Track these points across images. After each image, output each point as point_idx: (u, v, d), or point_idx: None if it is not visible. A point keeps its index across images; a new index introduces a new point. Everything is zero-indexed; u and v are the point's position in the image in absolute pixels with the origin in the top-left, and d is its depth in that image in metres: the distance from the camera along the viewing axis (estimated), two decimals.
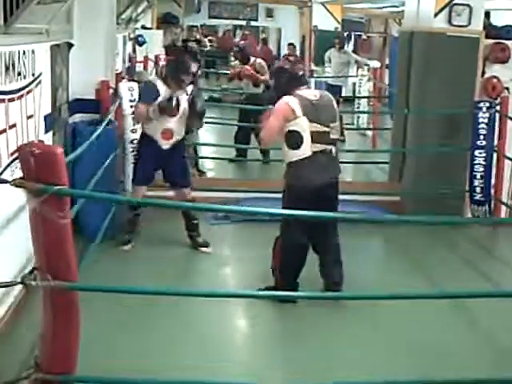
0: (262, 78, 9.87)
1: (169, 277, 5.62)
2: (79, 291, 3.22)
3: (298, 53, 15.86)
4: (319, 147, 5.05)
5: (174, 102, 5.89)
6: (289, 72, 5.32)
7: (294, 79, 5.25)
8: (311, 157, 5.04)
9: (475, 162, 7.41)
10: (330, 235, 5.36)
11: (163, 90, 6.00)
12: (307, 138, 5.01)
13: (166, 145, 6.12)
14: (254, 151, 9.74)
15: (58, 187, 2.96)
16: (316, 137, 5.03)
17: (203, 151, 10.33)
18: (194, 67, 6.02)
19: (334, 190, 5.24)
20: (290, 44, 16.13)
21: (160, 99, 5.93)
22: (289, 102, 5.05)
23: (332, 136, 5.12)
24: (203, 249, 6.31)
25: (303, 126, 5.00)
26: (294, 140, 5.05)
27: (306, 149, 5.03)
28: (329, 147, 5.10)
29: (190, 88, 6.12)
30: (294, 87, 5.17)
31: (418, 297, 4.54)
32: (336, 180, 5.26)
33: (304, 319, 5.01)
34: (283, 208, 5.20)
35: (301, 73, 5.41)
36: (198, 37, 18.70)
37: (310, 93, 5.25)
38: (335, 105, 5.25)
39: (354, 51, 15.93)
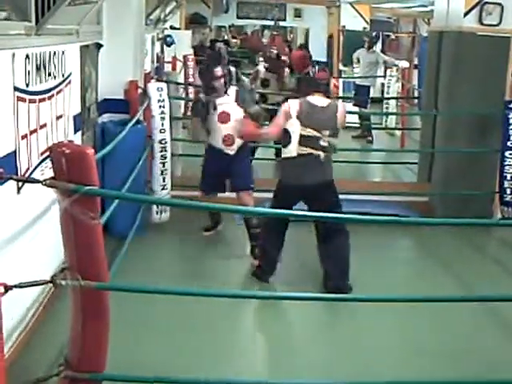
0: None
1: (197, 277, 5.63)
2: (109, 291, 3.24)
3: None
4: (306, 150, 5.35)
5: (212, 107, 6.13)
6: (306, 79, 5.92)
7: (312, 84, 5.64)
8: (296, 158, 5.39)
9: (505, 163, 7.33)
10: (332, 239, 5.45)
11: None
12: (295, 140, 5.36)
13: (230, 150, 6.23)
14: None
15: (88, 187, 2.97)
16: (304, 140, 5.35)
17: None
18: (218, 71, 6.14)
19: (321, 192, 5.40)
20: (302, 46, 16.08)
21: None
22: (290, 104, 5.46)
23: (322, 143, 5.36)
24: (253, 260, 6.13)
25: (294, 128, 5.36)
26: (284, 138, 5.44)
27: (293, 149, 5.39)
28: (316, 152, 5.36)
29: (233, 90, 6.24)
30: (311, 91, 5.50)
31: (449, 300, 4.51)
32: (323, 184, 5.41)
33: (321, 320, 5.00)
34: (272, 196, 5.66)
35: (320, 81, 5.69)
36: (226, 37, 18.71)
37: (319, 100, 5.46)
38: (339, 116, 5.45)
39: (383, 51, 15.83)
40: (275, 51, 9.86)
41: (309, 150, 5.35)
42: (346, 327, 4.95)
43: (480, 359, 4.46)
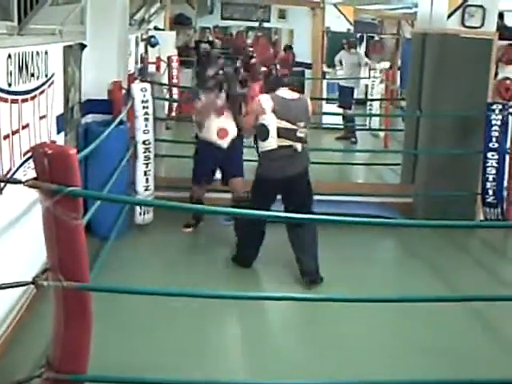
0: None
1: (179, 277, 5.62)
2: (91, 292, 3.23)
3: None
4: (285, 142, 5.51)
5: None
6: (274, 74, 6.14)
7: (278, 80, 5.86)
8: (276, 150, 5.54)
9: (488, 165, 7.38)
10: (304, 230, 5.60)
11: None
12: (274, 133, 5.51)
13: (224, 143, 6.53)
14: None
15: (70, 188, 2.96)
16: (282, 133, 5.51)
17: None
18: (210, 71, 6.56)
19: (299, 183, 5.63)
20: (287, 47, 16.16)
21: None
22: (260, 99, 5.62)
23: (298, 134, 5.54)
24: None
25: (270, 121, 5.50)
26: (262, 133, 5.59)
27: (272, 142, 5.53)
28: (294, 144, 5.53)
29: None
30: (277, 86, 5.68)
31: (430, 300, 4.52)
32: (301, 174, 5.63)
33: (315, 319, 5.01)
34: (250, 194, 5.89)
35: (281, 75, 6.08)
36: (210, 38, 18.70)
37: (288, 93, 5.65)
38: (309, 109, 5.71)
39: (367, 53, 15.90)
40: (250, 52, 10.08)
41: (288, 142, 5.52)
42: (328, 326, 4.96)
43: (461, 359, 4.49)
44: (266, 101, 5.56)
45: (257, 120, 5.60)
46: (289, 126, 5.51)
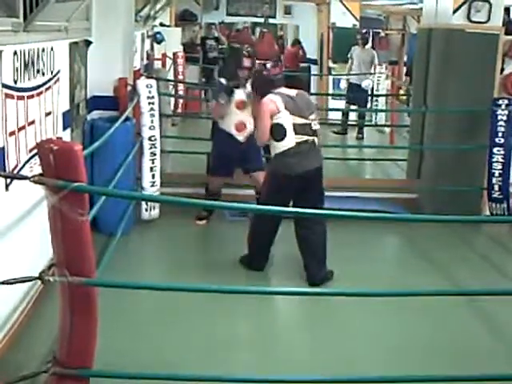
0: None
1: (185, 273, 5.62)
2: (97, 287, 3.25)
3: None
4: (302, 138, 5.43)
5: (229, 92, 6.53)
6: (265, 76, 5.98)
7: (271, 81, 5.76)
8: (295, 147, 5.42)
9: (493, 160, 7.36)
10: (312, 228, 5.55)
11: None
12: (290, 130, 5.40)
13: (242, 137, 6.62)
14: None
15: (76, 184, 2.98)
16: (298, 129, 5.42)
17: None
18: (246, 62, 6.70)
19: (316, 179, 5.56)
20: (295, 41, 16.08)
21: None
22: (271, 98, 5.48)
23: (314, 127, 5.49)
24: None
25: (286, 119, 5.40)
26: (278, 132, 5.44)
27: (290, 140, 5.41)
28: (311, 138, 5.48)
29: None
30: (272, 87, 5.60)
31: (436, 294, 4.53)
32: (318, 169, 5.55)
33: (318, 316, 5.03)
34: (263, 196, 5.76)
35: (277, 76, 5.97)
36: (216, 34, 18.66)
37: (288, 90, 5.61)
38: (311, 100, 5.78)
39: (372, 48, 15.87)
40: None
41: (304, 138, 5.45)
42: (331, 322, 4.97)
43: (463, 354, 4.51)
44: (276, 100, 5.45)
45: (271, 120, 5.45)
46: (303, 121, 5.44)
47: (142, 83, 6.73)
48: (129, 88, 6.80)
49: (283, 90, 5.61)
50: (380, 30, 18.15)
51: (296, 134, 5.41)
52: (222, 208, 6.37)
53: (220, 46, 16.41)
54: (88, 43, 6.31)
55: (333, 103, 13.75)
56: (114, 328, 4.29)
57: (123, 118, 6.05)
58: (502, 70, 7.50)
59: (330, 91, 14.45)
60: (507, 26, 7.62)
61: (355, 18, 15.66)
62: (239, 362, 4.32)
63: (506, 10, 8.01)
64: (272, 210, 5.00)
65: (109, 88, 6.70)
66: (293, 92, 5.59)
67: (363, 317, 4.97)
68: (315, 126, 5.51)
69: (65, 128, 5.51)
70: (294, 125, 5.41)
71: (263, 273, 5.81)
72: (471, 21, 7.46)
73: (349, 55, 13.26)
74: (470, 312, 5.13)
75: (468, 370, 3.98)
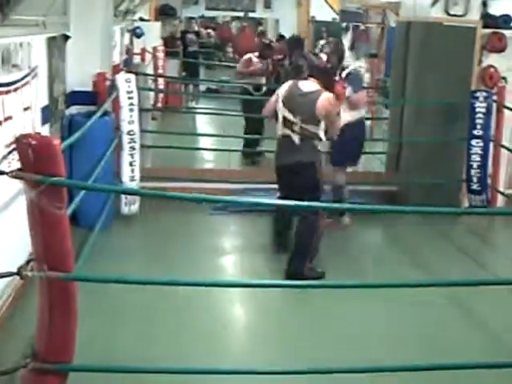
0: None
1: (164, 267, 5.62)
2: (77, 281, 3.24)
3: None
4: (286, 132, 5.57)
5: None
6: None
7: (294, 70, 5.84)
8: (279, 138, 5.70)
9: (472, 152, 7.43)
10: (302, 222, 5.62)
11: None
12: (280, 121, 5.61)
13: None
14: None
15: (54, 178, 2.97)
16: (285, 122, 5.57)
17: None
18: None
19: (286, 175, 5.65)
20: (280, 37, 16.04)
21: None
22: (283, 86, 5.74)
23: (294, 128, 5.51)
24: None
25: (279, 109, 5.60)
26: (276, 118, 5.69)
27: (279, 129, 5.68)
28: (293, 135, 5.52)
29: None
30: (295, 76, 5.70)
31: (413, 285, 4.56)
32: (288, 167, 5.61)
33: (296, 309, 5.05)
34: None
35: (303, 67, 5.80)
36: (196, 29, 18.64)
37: (308, 85, 5.56)
38: (319, 104, 5.41)
39: (352, 42, 15.90)
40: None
41: (288, 133, 5.55)
42: (309, 314, 5.02)
43: (444, 345, 4.56)
44: (284, 88, 5.67)
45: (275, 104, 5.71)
46: (291, 117, 5.51)
47: (121, 78, 6.71)
48: (108, 83, 6.79)
49: (307, 82, 5.59)
50: (360, 24, 18.16)
51: (283, 126, 5.57)
52: (201, 201, 6.37)
53: (200, 40, 16.39)
54: (66, 38, 6.29)
55: None
56: (94, 322, 4.29)
57: (101, 112, 6.03)
58: (480, 62, 7.55)
59: None
60: (484, 19, 7.66)
61: (335, 11, 15.71)
62: (220, 354, 4.34)
63: (484, 3, 8.03)
64: (241, 202, 4.99)
65: (88, 83, 6.69)
66: (309, 88, 5.53)
67: (339, 308, 5.01)
68: (296, 126, 5.48)
69: (43, 123, 5.49)
70: (283, 117, 5.55)
71: (244, 264, 5.85)
72: (449, 14, 7.52)
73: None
74: (447, 303, 5.17)
75: (443, 359, 4.00)
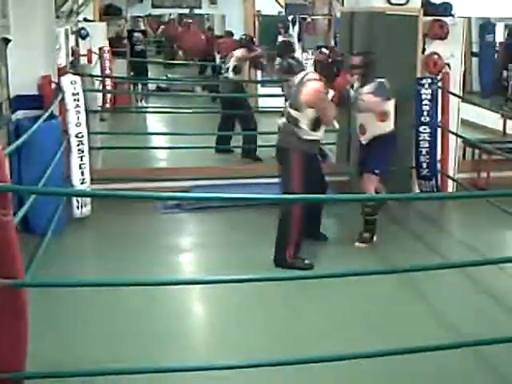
0: None
1: (119, 269, 5.58)
2: (27, 289, 3.21)
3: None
4: (282, 119, 5.84)
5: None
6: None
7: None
8: (281, 124, 5.87)
9: (420, 139, 7.52)
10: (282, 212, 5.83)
11: None
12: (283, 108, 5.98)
13: (363, 140, 6.46)
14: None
15: None
16: (284, 110, 5.88)
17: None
18: (355, 60, 6.51)
19: (280, 158, 5.87)
20: (227, 33, 15.99)
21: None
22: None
23: (284, 112, 5.83)
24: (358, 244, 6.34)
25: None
26: None
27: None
28: (284, 120, 5.78)
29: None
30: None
31: (367, 273, 4.61)
32: (278, 149, 5.90)
33: (260, 300, 5.07)
34: None
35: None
36: (143, 27, 18.48)
37: (309, 75, 5.78)
38: (303, 92, 5.63)
39: (300, 34, 15.95)
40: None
41: (283, 119, 5.82)
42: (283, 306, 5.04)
43: (398, 330, 4.63)
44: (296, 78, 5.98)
45: None
46: (286, 104, 5.88)
47: (66, 80, 6.65)
48: (54, 86, 6.71)
49: (310, 73, 5.80)
50: (306, 16, 18.23)
51: (282, 115, 5.86)
52: (153, 198, 6.34)
53: (147, 39, 16.29)
54: (7, 41, 6.19)
55: (263, 90, 13.75)
56: (46, 329, 4.26)
57: (47, 115, 5.96)
58: (424, 49, 7.64)
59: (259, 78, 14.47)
60: (426, 7, 7.74)
61: (280, 5, 15.73)
62: (187, 351, 4.34)
63: None
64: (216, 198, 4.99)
65: (32, 86, 6.59)
66: (302, 79, 5.77)
67: (298, 301, 5.04)
68: (285, 114, 5.75)
69: None
70: (285, 106, 5.92)
71: (207, 261, 5.86)
72: (391, 3, 7.58)
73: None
74: (401, 288, 5.25)
75: (396, 345, 4.05)
